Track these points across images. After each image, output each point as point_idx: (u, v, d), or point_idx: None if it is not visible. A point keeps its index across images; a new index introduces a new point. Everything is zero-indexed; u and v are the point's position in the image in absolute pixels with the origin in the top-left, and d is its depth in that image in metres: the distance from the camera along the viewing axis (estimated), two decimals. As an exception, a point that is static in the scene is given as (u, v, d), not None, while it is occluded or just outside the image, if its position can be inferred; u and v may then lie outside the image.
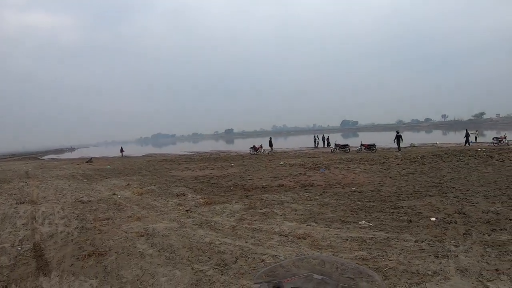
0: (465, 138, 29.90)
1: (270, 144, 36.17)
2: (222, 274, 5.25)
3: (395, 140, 28.67)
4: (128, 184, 16.13)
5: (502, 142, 27.48)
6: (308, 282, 1.45)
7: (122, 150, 50.98)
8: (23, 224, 9.31)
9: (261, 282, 1.51)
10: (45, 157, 68.99)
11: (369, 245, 6.25)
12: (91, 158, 40.67)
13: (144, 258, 6.21)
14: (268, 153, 33.74)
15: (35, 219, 9.84)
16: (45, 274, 5.73)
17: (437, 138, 51.75)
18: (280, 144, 47.57)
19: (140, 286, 5.01)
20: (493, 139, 28.89)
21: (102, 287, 5.10)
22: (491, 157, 18.02)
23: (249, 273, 5.26)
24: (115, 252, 6.58)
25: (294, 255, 5.86)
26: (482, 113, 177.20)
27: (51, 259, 6.46)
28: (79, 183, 18.05)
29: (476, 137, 33.87)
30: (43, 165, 36.33)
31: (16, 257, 6.71)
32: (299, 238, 6.81)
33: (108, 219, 9.36)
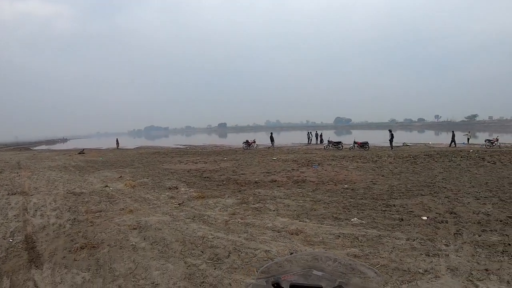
0: (451, 139, 30.45)
1: (271, 139, 36.23)
2: (215, 269, 5.27)
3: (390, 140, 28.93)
4: (121, 177, 16.07)
5: (494, 144, 27.77)
6: (308, 278, 1.47)
7: (117, 142, 50.58)
8: (14, 216, 9.24)
9: (260, 278, 1.52)
10: (37, 148, 68.35)
11: (361, 242, 6.30)
12: (83, 150, 40.44)
13: (137, 251, 6.20)
14: (270, 148, 33.86)
15: (26, 210, 9.78)
16: (37, 266, 5.71)
17: (430, 138, 52.11)
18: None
19: (133, 280, 5.01)
20: (485, 141, 29.21)
21: (95, 280, 5.09)
22: (482, 158, 18.19)
23: (242, 267, 5.28)
24: (108, 245, 6.56)
25: (286, 251, 5.89)
26: (475, 115, 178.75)
27: (43, 251, 6.43)
28: (71, 174, 17.94)
29: (468, 139, 34.16)
30: (35, 156, 36.00)
31: (7, 249, 6.66)
32: (292, 234, 6.85)
33: (101, 211, 9.33)
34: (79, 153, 36.27)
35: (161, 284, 4.84)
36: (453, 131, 31.65)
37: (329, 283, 1.42)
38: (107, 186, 13.45)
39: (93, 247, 6.46)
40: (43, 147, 74.05)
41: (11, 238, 7.33)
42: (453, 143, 30.06)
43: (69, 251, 6.33)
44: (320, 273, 1.48)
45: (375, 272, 1.56)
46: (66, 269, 5.51)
